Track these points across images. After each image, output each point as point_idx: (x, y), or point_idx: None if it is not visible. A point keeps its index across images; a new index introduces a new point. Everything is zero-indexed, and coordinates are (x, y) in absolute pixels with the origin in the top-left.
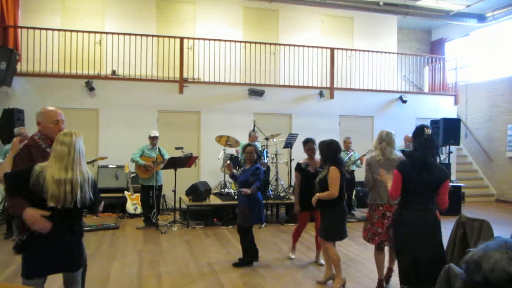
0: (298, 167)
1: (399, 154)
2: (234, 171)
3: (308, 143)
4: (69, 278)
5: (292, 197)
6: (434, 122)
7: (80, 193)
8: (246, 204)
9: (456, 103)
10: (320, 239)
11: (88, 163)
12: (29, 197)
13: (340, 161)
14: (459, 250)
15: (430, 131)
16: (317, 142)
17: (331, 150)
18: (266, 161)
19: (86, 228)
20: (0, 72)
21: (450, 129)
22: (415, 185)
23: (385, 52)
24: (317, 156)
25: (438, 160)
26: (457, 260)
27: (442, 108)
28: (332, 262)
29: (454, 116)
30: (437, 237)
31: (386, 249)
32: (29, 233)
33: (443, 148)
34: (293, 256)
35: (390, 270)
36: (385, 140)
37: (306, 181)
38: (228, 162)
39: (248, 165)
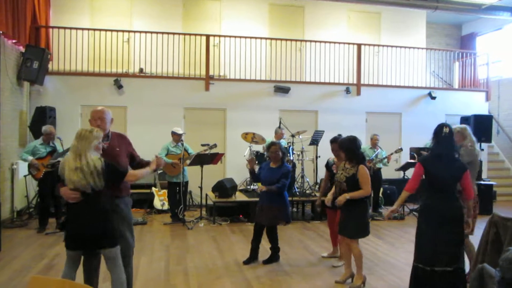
0: (327, 163)
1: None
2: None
3: (332, 144)
4: (108, 256)
5: (318, 194)
6: (465, 119)
7: (90, 179)
8: (278, 203)
9: (487, 99)
10: (342, 237)
11: None
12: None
13: (364, 156)
14: (492, 250)
15: (448, 129)
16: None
17: (356, 147)
18: (292, 158)
19: None
20: (33, 71)
21: (481, 126)
22: (436, 178)
23: (414, 48)
24: None
25: (456, 156)
26: (489, 260)
27: (473, 104)
28: (356, 259)
29: (485, 112)
30: (456, 224)
31: None
32: (67, 213)
33: None
34: (325, 255)
35: None
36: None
37: (332, 177)
38: (251, 157)
39: (274, 164)
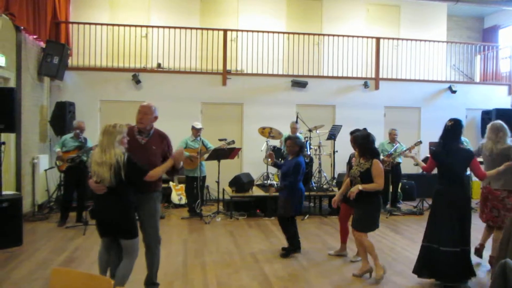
0: (349, 160)
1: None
2: (277, 161)
3: (351, 135)
4: (124, 246)
5: (336, 189)
6: (486, 113)
7: (112, 172)
8: (285, 194)
9: (510, 93)
10: (353, 230)
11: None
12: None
13: (378, 152)
14: None
15: (451, 122)
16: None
17: (370, 142)
18: (309, 153)
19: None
20: (53, 66)
21: (503, 120)
22: (444, 166)
23: (434, 41)
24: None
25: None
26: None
27: (495, 98)
28: (368, 251)
29: (507, 106)
30: (462, 208)
31: None
32: (94, 202)
33: None
34: (332, 253)
35: (482, 246)
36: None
37: None
38: (270, 151)
39: (291, 157)
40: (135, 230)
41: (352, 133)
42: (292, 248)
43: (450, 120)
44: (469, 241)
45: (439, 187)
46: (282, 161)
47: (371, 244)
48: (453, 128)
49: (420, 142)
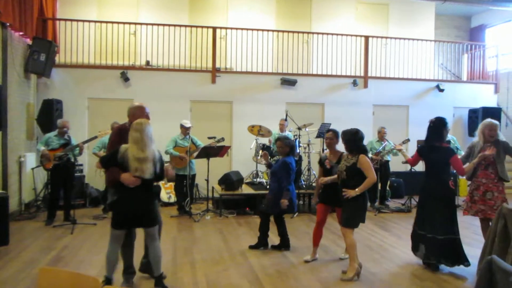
0: (319, 160)
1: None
2: (271, 162)
3: (327, 133)
4: (150, 233)
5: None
6: (473, 111)
7: (152, 167)
8: (276, 192)
9: (496, 91)
10: (342, 227)
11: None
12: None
13: (365, 148)
14: (500, 241)
15: (436, 121)
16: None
17: (358, 139)
18: (298, 151)
19: None
20: (40, 64)
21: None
22: (428, 162)
23: (422, 40)
24: (339, 147)
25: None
26: (497, 251)
27: (482, 97)
28: (350, 249)
29: (494, 105)
30: (445, 201)
31: None
32: (119, 195)
33: None
34: (309, 259)
35: None
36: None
37: (326, 174)
38: (265, 151)
39: (281, 156)
40: (159, 217)
41: (327, 131)
42: (261, 243)
43: (434, 118)
44: (456, 231)
45: (425, 181)
46: (272, 159)
47: (354, 244)
48: (436, 126)
49: (408, 140)
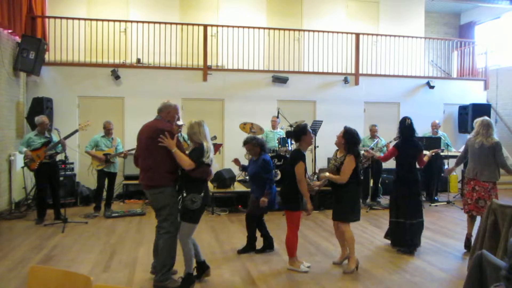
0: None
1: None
2: (243, 164)
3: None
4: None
5: (317, 183)
6: (463, 108)
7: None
8: (258, 194)
9: (486, 88)
10: (335, 222)
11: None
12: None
13: (358, 153)
14: (490, 237)
15: (409, 121)
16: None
17: (357, 140)
18: (290, 148)
19: (114, 214)
20: (29, 62)
21: (479, 115)
22: (403, 156)
23: (412, 37)
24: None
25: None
26: (487, 246)
27: (471, 93)
28: (348, 243)
29: (483, 101)
30: (413, 185)
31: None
32: (205, 190)
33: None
34: (307, 266)
35: (469, 240)
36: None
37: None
38: (235, 158)
39: (256, 158)
40: None
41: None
42: (249, 247)
43: (407, 118)
44: (422, 214)
45: (397, 171)
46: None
47: (353, 238)
48: (410, 125)
49: (399, 137)
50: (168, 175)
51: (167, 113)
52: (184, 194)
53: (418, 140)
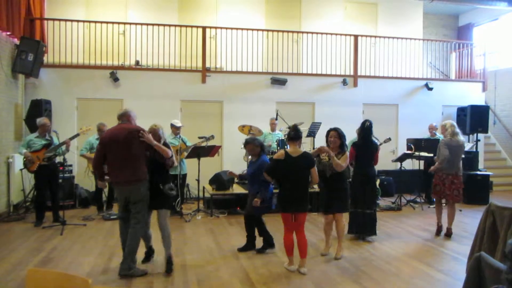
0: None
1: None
2: (240, 174)
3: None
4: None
5: (315, 185)
6: (461, 110)
7: None
8: (256, 194)
9: (484, 90)
10: (327, 216)
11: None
12: None
13: (346, 155)
14: (489, 239)
15: (369, 123)
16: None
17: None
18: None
19: (113, 216)
20: (28, 64)
21: (478, 117)
22: (362, 154)
23: (411, 39)
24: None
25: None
26: (486, 248)
27: (470, 95)
28: (341, 232)
29: (482, 103)
30: (371, 180)
31: None
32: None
33: (470, 136)
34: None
35: (441, 227)
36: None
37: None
38: (230, 170)
39: (254, 158)
40: None
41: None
42: (249, 246)
43: (367, 121)
44: (376, 205)
45: (356, 168)
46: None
47: (344, 227)
48: (370, 127)
49: (389, 139)
50: (145, 170)
51: (128, 117)
52: (161, 186)
53: (408, 142)
